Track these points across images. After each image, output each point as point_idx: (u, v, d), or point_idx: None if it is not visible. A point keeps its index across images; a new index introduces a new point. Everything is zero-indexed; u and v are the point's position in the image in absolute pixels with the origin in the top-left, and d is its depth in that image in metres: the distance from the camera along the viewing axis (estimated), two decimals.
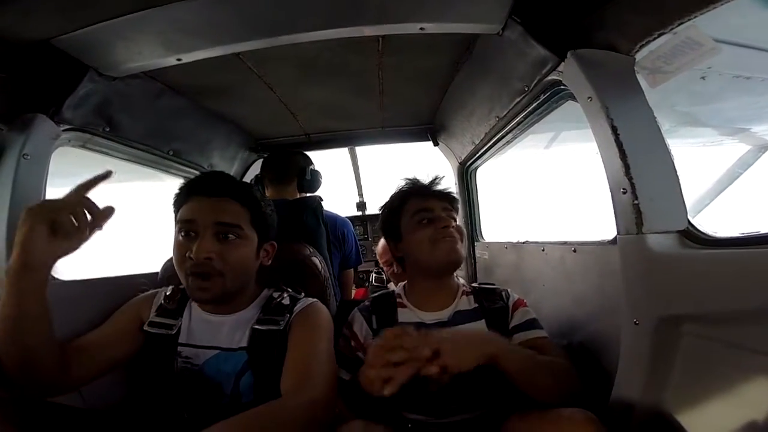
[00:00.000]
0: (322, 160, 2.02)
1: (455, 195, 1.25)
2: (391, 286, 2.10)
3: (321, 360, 0.95)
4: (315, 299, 1.11)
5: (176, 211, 1.03)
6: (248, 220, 1.02)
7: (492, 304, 1.16)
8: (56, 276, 1.15)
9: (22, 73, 1.08)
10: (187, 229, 0.98)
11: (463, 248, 1.17)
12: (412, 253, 1.18)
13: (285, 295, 1.08)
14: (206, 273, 0.95)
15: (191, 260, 0.95)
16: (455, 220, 1.19)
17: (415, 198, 1.20)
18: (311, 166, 1.90)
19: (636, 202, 0.92)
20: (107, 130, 1.34)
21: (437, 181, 1.24)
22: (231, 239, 0.98)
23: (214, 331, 1.04)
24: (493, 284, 1.24)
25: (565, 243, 1.35)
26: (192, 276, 0.96)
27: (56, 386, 0.91)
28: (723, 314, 0.78)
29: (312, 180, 1.88)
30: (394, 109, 1.98)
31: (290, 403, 0.85)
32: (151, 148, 1.59)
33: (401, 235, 1.20)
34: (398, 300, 1.20)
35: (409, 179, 1.27)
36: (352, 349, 1.14)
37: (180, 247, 0.97)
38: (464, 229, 1.22)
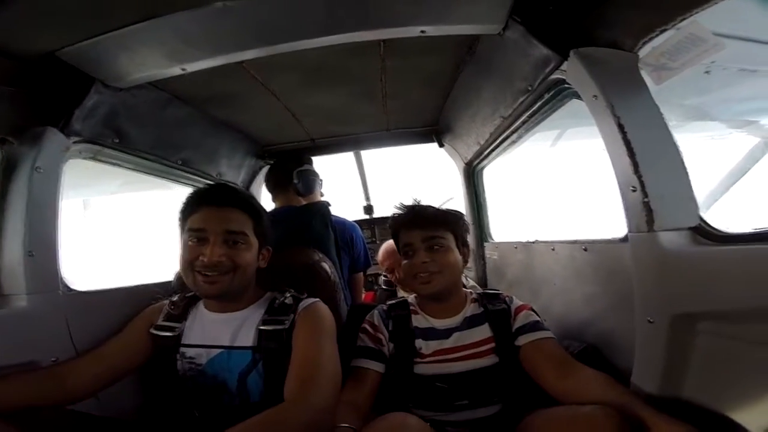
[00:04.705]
0: (327, 165, 2.02)
1: (448, 211, 1.26)
2: (400, 290, 2.09)
3: (325, 364, 0.97)
4: (317, 299, 1.15)
5: (184, 219, 1.09)
6: (252, 228, 1.10)
7: (494, 307, 1.21)
8: (72, 287, 1.17)
9: (30, 86, 1.10)
10: (198, 236, 1.05)
11: (446, 275, 1.17)
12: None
13: (287, 295, 1.12)
14: (215, 270, 1.03)
15: (203, 262, 1.02)
16: (441, 244, 1.18)
17: (402, 230, 1.24)
18: (297, 169, 1.83)
19: (646, 199, 0.92)
20: (116, 141, 1.35)
21: (417, 209, 1.25)
22: (238, 245, 1.07)
23: (218, 331, 1.09)
24: (498, 291, 1.29)
25: (575, 242, 1.34)
26: (201, 274, 1.03)
27: (63, 401, 0.98)
28: (739, 311, 0.77)
29: (301, 183, 1.82)
30: (398, 112, 1.98)
31: (294, 409, 0.87)
32: (160, 158, 1.61)
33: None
34: (411, 308, 1.24)
35: (399, 207, 1.28)
36: (378, 340, 1.18)
37: (191, 251, 1.04)
38: (452, 249, 1.20)
